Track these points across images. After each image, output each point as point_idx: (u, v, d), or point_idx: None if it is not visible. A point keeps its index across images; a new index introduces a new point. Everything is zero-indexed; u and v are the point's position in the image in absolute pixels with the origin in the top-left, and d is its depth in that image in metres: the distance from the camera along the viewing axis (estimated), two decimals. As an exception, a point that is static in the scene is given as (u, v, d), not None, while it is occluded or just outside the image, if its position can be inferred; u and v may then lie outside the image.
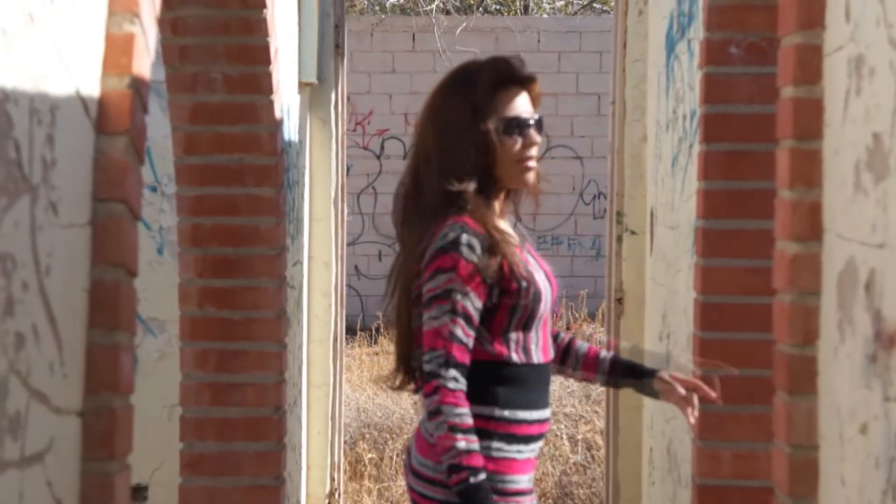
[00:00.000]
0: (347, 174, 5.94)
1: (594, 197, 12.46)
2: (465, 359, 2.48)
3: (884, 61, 1.54)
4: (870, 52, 1.59)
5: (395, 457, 6.69)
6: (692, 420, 2.71)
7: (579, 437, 6.98)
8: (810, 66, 1.83)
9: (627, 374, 2.77)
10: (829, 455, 1.76)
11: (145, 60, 1.74)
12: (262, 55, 3.43)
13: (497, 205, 2.64)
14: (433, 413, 2.45)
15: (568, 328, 9.71)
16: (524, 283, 2.55)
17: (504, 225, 2.65)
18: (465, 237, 2.50)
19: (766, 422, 2.13)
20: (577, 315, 9.79)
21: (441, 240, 2.50)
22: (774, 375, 1.93)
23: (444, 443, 2.44)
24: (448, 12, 14.07)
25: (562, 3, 16.84)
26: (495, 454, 2.51)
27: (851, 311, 1.64)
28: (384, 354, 9.43)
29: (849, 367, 1.66)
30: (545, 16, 15.98)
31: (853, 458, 1.63)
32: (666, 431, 4.05)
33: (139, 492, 4.61)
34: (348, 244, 6.89)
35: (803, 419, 1.82)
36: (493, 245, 2.53)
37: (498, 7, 16.68)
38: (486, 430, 2.50)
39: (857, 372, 1.61)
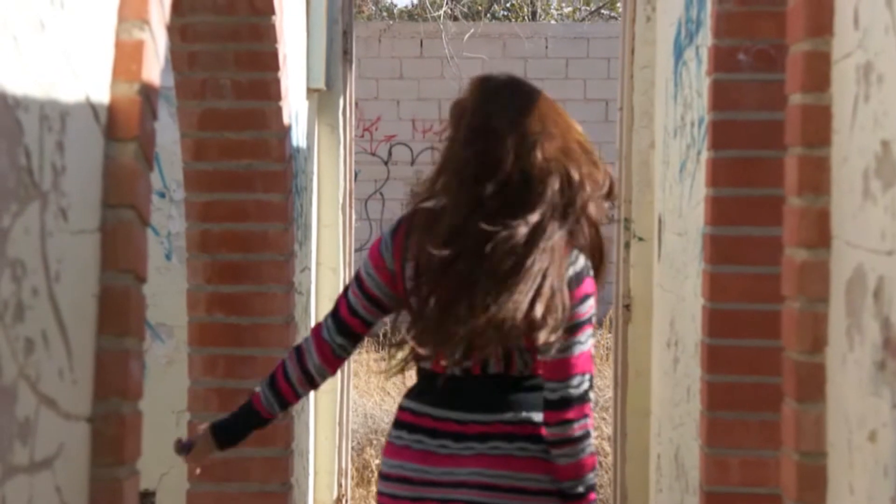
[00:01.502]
0: (355, 180, 5.94)
1: (602, 203, 12.43)
2: None
3: (892, 68, 1.54)
4: (878, 59, 1.59)
5: (402, 463, 6.67)
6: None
7: (587, 443, 6.95)
8: (819, 73, 1.83)
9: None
10: (837, 462, 1.76)
11: (155, 67, 1.74)
12: (270, 61, 3.44)
13: None
14: (585, 436, 2.47)
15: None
16: None
17: None
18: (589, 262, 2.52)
19: (774, 429, 2.13)
20: (585, 321, 9.73)
21: (578, 263, 2.47)
22: (783, 382, 1.93)
23: (592, 462, 2.50)
24: (456, 18, 14.09)
25: (569, 9, 16.84)
26: None
27: (860, 319, 1.64)
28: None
29: (857, 374, 1.65)
30: (553, 22, 15.99)
31: (862, 465, 1.63)
32: (674, 438, 4.05)
33: (147, 497, 4.61)
34: (356, 250, 6.90)
35: (812, 426, 1.82)
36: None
37: (506, 13, 16.69)
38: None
39: (866, 379, 1.61)
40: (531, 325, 2.41)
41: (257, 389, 2.65)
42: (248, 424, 2.68)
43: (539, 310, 2.40)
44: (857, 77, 1.68)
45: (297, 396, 2.67)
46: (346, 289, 2.65)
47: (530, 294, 2.40)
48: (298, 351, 2.64)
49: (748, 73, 3.03)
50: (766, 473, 2.95)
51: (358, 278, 2.60)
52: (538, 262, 2.41)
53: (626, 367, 4.95)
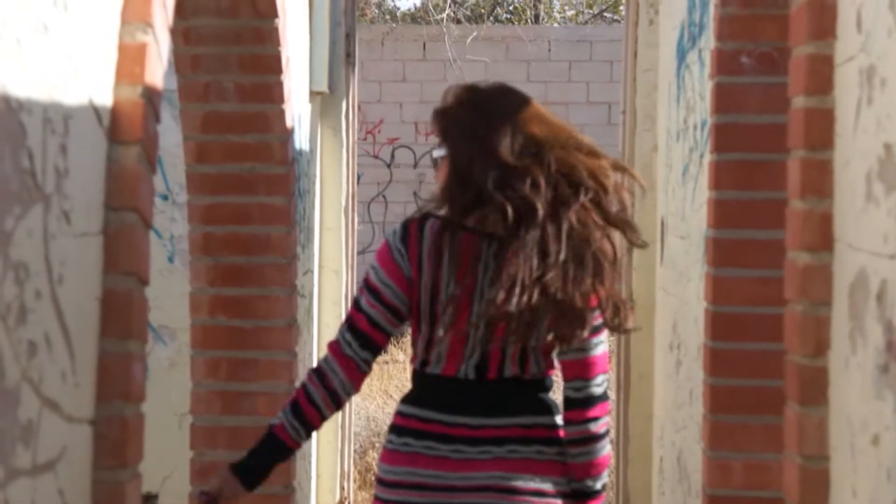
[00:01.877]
0: (358, 183, 5.94)
1: (605, 206, 12.41)
2: None
3: (895, 71, 1.53)
4: (881, 63, 1.59)
5: (404, 466, 6.67)
6: None
7: (589, 446, 6.96)
8: (821, 76, 1.83)
9: None
10: (840, 466, 1.75)
11: (158, 70, 1.74)
12: (273, 64, 3.44)
13: None
14: (606, 433, 2.55)
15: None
16: None
17: None
18: None
19: (777, 432, 2.13)
20: (588, 324, 9.73)
21: None
22: (785, 386, 1.92)
23: (609, 459, 2.58)
24: (459, 21, 14.09)
25: (572, 12, 16.85)
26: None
27: (863, 322, 1.64)
28: (393, 363, 9.43)
29: (860, 377, 1.65)
30: (556, 25, 15.99)
31: (864, 469, 1.63)
32: (676, 441, 4.05)
33: (150, 500, 4.61)
34: (358, 253, 6.91)
35: (814, 430, 1.82)
36: None
37: (508, 16, 16.70)
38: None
39: (869, 383, 1.61)
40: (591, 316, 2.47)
41: (277, 421, 2.59)
42: (273, 458, 2.61)
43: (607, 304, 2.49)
44: (860, 80, 1.68)
45: (323, 420, 2.62)
46: (356, 302, 2.59)
47: (599, 286, 2.47)
48: (319, 373, 2.58)
49: (751, 76, 3.03)
50: (769, 477, 2.95)
51: (372, 289, 2.55)
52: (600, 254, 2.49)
53: (629, 370, 4.95)
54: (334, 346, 2.59)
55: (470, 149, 2.53)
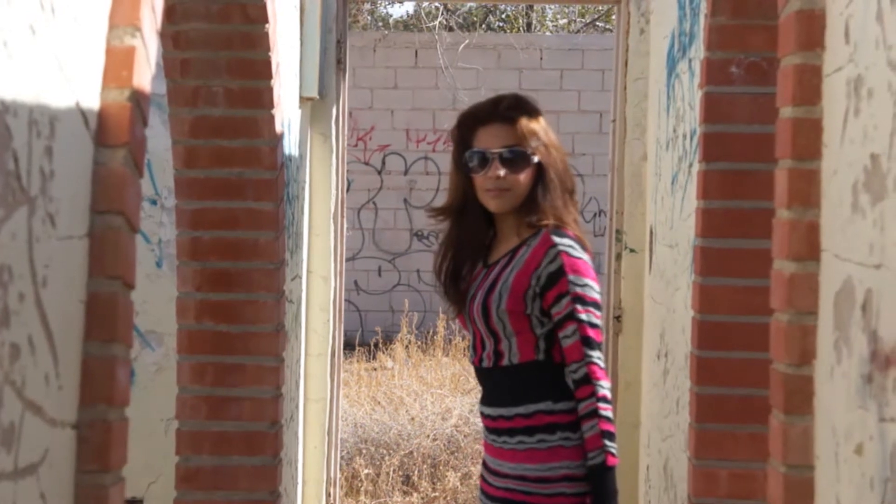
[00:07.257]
0: (348, 189, 5.94)
1: (595, 215, 12.48)
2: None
3: (882, 83, 1.54)
4: (869, 74, 1.60)
5: (391, 472, 6.67)
6: None
7: (577, 454, 6.95)
8: (809, 86, 1.83)
9: None
10: (824, 475, 1.76)
11: (146, 73, 1.74)
12: (263, 69, 3.44)
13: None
14: None
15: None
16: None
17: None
18: None
19: (762, 441, 2.13)
20: (576, 333, 9.74)
21: None
22: (771, 395, 1.93)
23: None
24: (451, 29, 14.10)
25: (564, 21, 16.87)
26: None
27: (848, 332, 1.64)
28: (382, 370, 9.42)
29: (845, 387, 1.65)
30: (548, 33, 16.01)
31: (848, 478, 1.63)
32: (663, 450, 4.05)
33: (134, 505, 4.60)
34: (347, 259, 6.91)
35: (799, 439, 1.82)
36: None
37: (501, 24, 16.71)
38: None
39: (853, 392, 1.61)
40: None
41: (613, 449, 2.81)
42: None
43: None
44: (847, 91, 1.68)
45: None
46: (594, 320, 2.85)
47: None
48: (608, 399, 2.85)
49: (740, 86, 3.04)
50: (754, 486, 2.95)
51: (599, 304, 2.90)
52: None
53: (616, 379, 4.95)
54: (602, 370, 2.85)
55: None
